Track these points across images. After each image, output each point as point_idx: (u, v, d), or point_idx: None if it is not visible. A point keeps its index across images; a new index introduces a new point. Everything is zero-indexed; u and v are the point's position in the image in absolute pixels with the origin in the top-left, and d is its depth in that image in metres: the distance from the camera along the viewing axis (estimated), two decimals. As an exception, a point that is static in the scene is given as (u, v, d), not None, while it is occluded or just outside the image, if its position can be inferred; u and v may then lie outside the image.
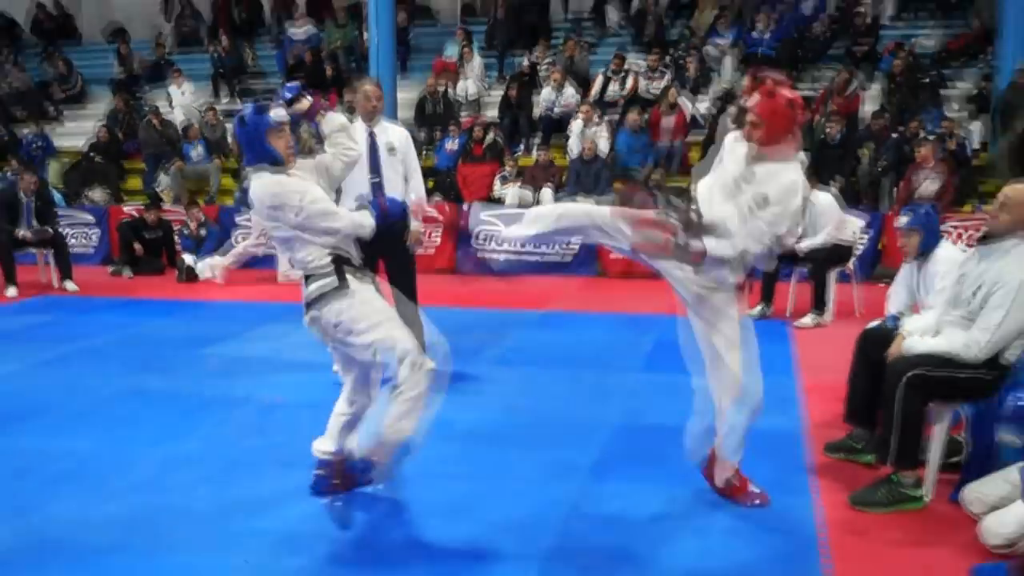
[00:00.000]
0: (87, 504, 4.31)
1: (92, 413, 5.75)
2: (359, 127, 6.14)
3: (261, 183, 3.89)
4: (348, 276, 3.98)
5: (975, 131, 11.81)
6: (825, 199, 8.07)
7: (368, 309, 3.97)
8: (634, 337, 7.56)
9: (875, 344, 4.72)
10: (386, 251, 6.05)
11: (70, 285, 10.27)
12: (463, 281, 10.17)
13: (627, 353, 7.06)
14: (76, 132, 15.28)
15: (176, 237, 11.54)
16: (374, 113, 6.17)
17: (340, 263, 3.99)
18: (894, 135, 11.25)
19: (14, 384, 6.47)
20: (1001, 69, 11.77)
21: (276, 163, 3.90)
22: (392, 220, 4.30)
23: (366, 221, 4.07)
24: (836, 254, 8.17)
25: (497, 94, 13.59)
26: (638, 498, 4.31)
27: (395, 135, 6.23)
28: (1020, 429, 3.51)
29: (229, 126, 14.14)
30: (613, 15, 14.94)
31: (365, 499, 4.32)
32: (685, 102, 12.26)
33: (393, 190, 6.06)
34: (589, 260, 10.61)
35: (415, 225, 6.31)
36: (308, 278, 3.98)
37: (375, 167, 6.07)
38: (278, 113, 3.89)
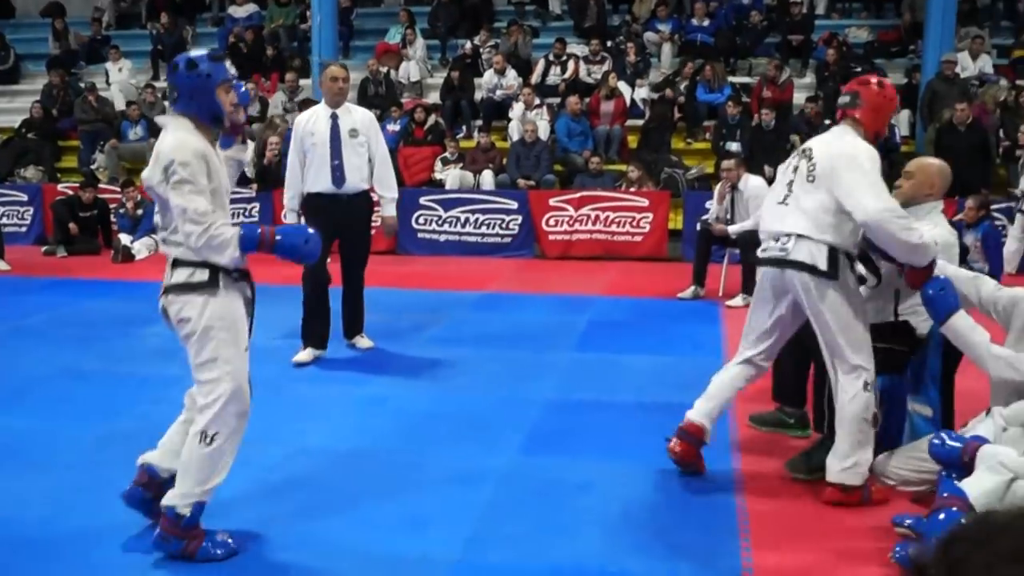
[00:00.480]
0: (24, 480, 4.33)
1: (27, 392, 5.73)
2: (320, 109, 6.25)
3: (173, 135, 3.49)
4: (221, 278, 3.50)
5: (903, 121, 12.15)
6: (756, 184, 8.28)
7: (220, 328, 3.48)
8: (569, 318, 7.71)
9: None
10: (343, 235, 6.24)
11: (2, 264, 10.13)
12: (403, 262, 10.24)
13: (561, 333, 7.19)
14: (9, 109, 15.01)
15: (112, 217, 11.43)
16: (339, 95, 6.17)
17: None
18: (827, 122, 11.52)
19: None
20: (927, 62, 12.13)
21: (217, 120, 3.63)
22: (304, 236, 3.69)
23: (234, 251, 3.46)
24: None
25: (440, 77, 13.64)
26: (565, 470, 4.46)
27: (359, 118, 6.24)
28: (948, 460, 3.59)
29: (167, 104, 14.02)
30: (555, 2, 15.07)
31: (296, 470, 4.42)
32: (624, 88, 12.42)
33: (354, 174, 6.16)
34: (528, 242, 10.74)
35: (389, 213, 6.45)
36: (176, 262, 3.52)
37: (336, 151, 6.08)
38: (231, 70, 3.76)
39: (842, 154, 3.96)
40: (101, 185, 12.25)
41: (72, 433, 4.96)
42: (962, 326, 3.87)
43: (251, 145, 11.99)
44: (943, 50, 11.80)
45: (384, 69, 13.34)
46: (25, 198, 12.19)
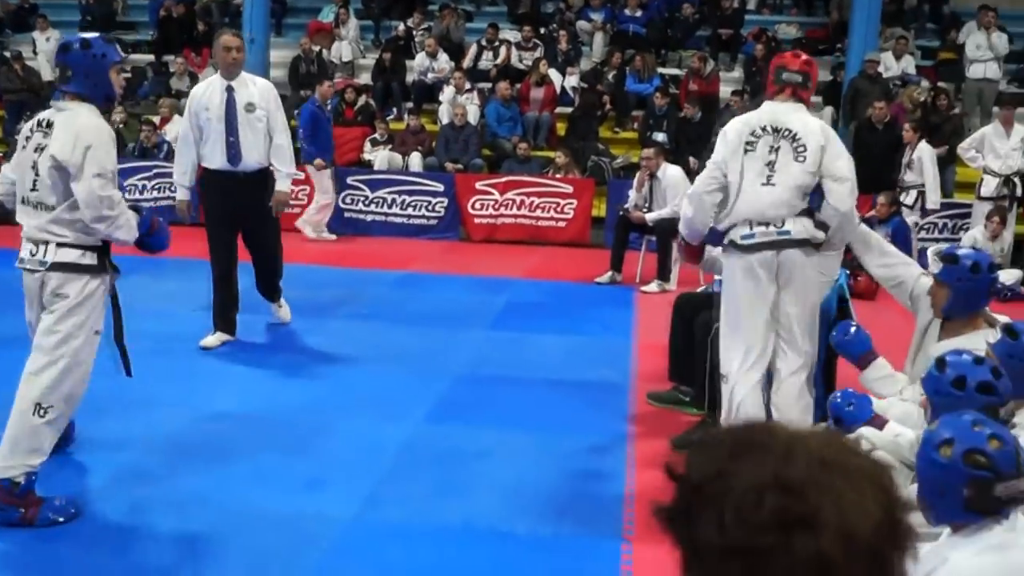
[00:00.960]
0: None
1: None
2: (215, 81, 5.88)
3: (87, 118, 3.61)
4: (107, 263, 3.68)
5: (826, 117, 12.48)
6: (674, 173, 8.49)
7: (88, 308, 3.59)
8: (487, 298, 7.85)
9: (690, 307, 5.14)
10: (243, 216, 5.95)
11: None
12: (329, 240, 10.27)
13: (478, 313, 7.33)
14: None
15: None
16: (233, 66, 5.78)
17: (107, 247, 3.69)
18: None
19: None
20: (851, 60, 12.48)
21: (109, 99, 3.81)
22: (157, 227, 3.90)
23: (130, 234, 3.68)
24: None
25: (372, 58, 13.63)
26: (466, 439, 4.62)
27: (257, 90, 5.85)
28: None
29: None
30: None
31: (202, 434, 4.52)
32: (555, 76, 12.57)
33: (251, 150, 5.79)
34: (454, 224, 10.84)
35: (282, 188, 5.99)
36: (62, 244, 3.57)
37: (231, 126, 5.72)
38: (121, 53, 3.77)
39: (826, 135, 4.06)
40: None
41: None
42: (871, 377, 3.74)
43: (178, 120, 11.99)
44: (867, 49, 12.14)
45: (316, 48, 13.32)
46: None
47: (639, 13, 13.64)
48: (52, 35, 14.60)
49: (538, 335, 6.74)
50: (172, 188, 11.10)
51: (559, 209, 10.65)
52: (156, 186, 11.40)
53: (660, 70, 13.00)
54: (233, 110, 5.73)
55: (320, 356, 6.03)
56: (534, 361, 6.06)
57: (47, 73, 13.86)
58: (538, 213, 10.68)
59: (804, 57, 4.30)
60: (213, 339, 6.08)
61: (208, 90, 5.88)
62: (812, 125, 4.06)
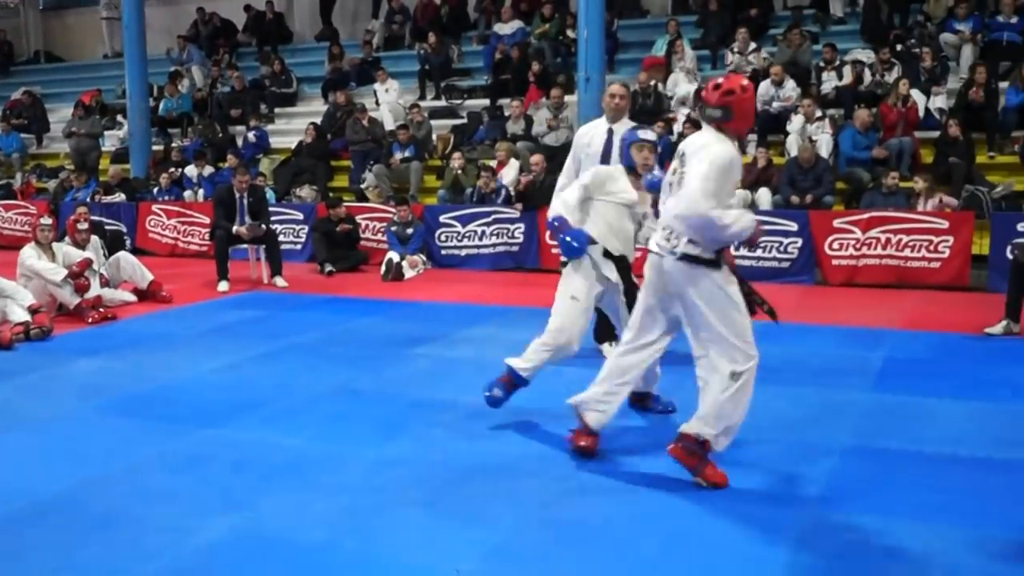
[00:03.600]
0: (301, 501, 4.28)
1: (304, 410, 5.73)
2: (600, 123, 6.48)
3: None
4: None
5: None
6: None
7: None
8: (860, 352, 6.93)
9: None
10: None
11: (280, 281, 10.42)
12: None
13: (853, 370, 6.45)
14: (287, 131, 15.77)
15: (384, 235, 11.60)
16: (616, 112, 6.38)
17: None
18: None
19: (229, 377, 6.54)
20: None
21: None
22: None
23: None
24: None
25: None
26: (876, 530, 3.85)
27: None
28: None
29: (434, 123, 14.21)
30: (836, 4, 14.02)
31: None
32: (918, 96, 11.32)
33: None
34: (808, 266, 9.90)
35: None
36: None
37: (605, 163, 6.18)
38: None
39: None
40: (364, 204, 12.52)
41: (349, 454, 4.90)
42: None
43: (514, 164, 11.93)
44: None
45: (652, 82, 12.84)
46: (300, 217, 12.60)
47: (1014, 19, 12.01)
48: (392, 86, 15.24)
49: (933, 399, 5.71)
50: (510, 234, 11.19)
51: (932, 247, 9.43)
52: (495, 232, 11.33)
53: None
54: (610, 149, 6.27)
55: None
56: (937, 433, 5.07)
57: (389, 123, 14.40)
58: (907, 252, 9.50)
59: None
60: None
61: (592, 130, 6.56)
62: None
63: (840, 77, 12.37)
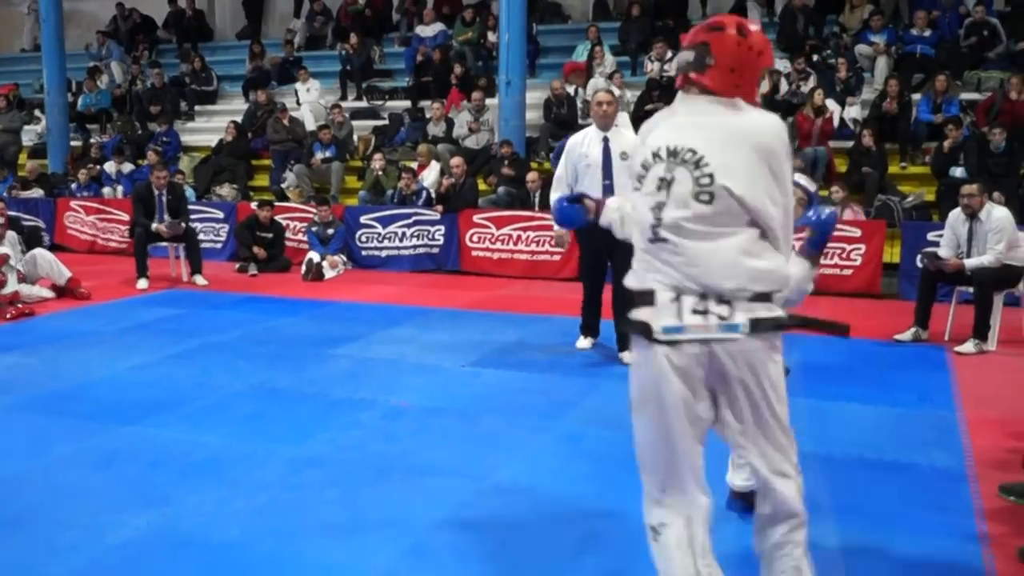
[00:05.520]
0: (219, 499, 4.25)
1: (222, 408, 5.68)
2: (591, 132, 6.64)
3: None
4: None
5: None
6: (1001, 215, 7.42)
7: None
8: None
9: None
10: (611, 242, 6.11)
11: (199, 279, 10.29)
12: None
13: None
14: (207, 129, 15.54)
15: (303, 235, 11.52)
16: (605, 119, 6.55)
17: None
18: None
19: (147, 375, 6.44)
20: None
21: None
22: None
23: None
24: (1004, 275, 7.51)
25: (632, 95, 13.11)
26: None
27: (629, 142, 6.41)
28: None
29: (355, 124, 14.16)
30: (755, 14, 14.34)
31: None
32: (832, 106, 11.63)
33: (621, 190, 6.15)
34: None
35: None
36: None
37: (607, 171, 6.48)
38: None
39: None
40: (285, 204, 12.42)
41: (265, 453, 4.86)
42: None
43: (435, 166, 11.96)
44: None
45: (572, 88, 12.98)
46: (221, 215, 12.42)
47: (928, 33, 12.43)
48: (313, 86, 15.12)
49: (841, 403, 5.80)
50: (430, 235, 11.20)
51: (844, 255, 9.66)
52: (415, 233, 11.33)
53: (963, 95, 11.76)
54: (609, 158, 6.49)
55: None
56: (842, 437, 5.14)
57: (310, 123, 14.30)
58: (822, 260, 9.73)
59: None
60: (586, 343, 7.15)
61: (586, 140, 6.67)
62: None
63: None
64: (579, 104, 12.80)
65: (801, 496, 2.79)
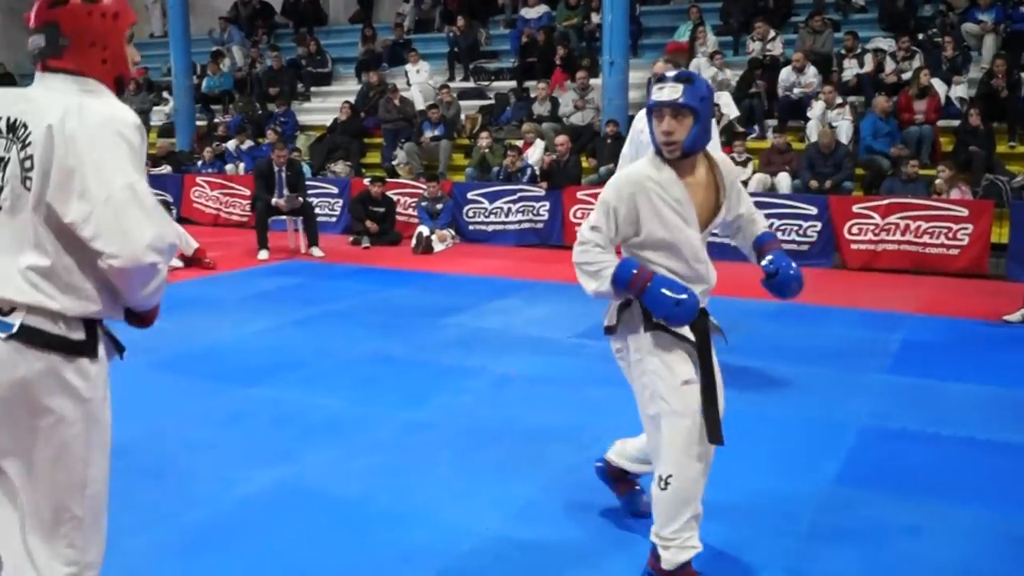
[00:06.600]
0: (338, 457, 4.51)
1: (340, 372, 6.03)
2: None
3: None
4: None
5: None
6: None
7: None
8: (878, 335, 7.08)
9: None
10: None
11: (316, 251, 10.87)
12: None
13: (870, 352, 6.59)
14: (322, 109, 16.07)
15: (414, 210, 11.93)
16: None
17: None
18: None
19: (270, 340, 6.88)
20: None
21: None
22: None
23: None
24: None
25: (734, 75, 13.11)
26: (891, 509, 3.97)
27: None
28: None
29: (463, 103, 14.50)
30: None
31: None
32: (939, 86, 11.45)
33: None
34: (827, 250, 10.12)
35: None
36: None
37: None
38: None
39: None
40: (396, 180, 12.86)
41: (380, 415, 5.13)
42: None
43: (540, 144, 12.19)
44: None
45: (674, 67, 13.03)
46: (335, 191, 12.98)
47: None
48: (422, 67, 15.51)
49: (949, 383, 5.83)
50: (535, 211, 11.48)
51: (951, 235, 9.59)
52: (520, 209, 11.63)
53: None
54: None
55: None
56: (951, 416, 5.20)
57: (419, 103, 14.70)
58: (926, 239, 9.68)
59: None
60: None
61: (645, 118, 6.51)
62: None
63: (861, 65, 12.53)
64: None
65: None
